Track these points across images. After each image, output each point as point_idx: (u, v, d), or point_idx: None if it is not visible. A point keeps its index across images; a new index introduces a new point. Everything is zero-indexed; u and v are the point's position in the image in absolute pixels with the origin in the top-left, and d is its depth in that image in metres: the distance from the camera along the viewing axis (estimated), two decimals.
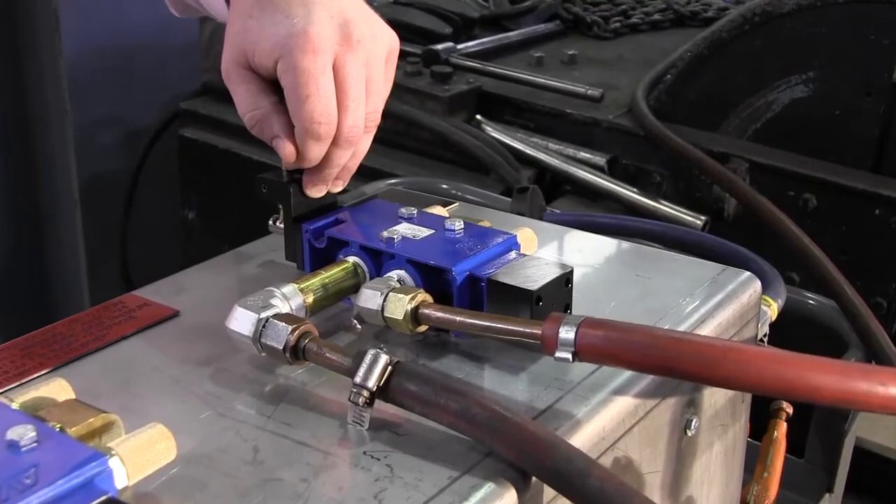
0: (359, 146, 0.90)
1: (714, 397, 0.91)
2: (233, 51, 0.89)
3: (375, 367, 0.72)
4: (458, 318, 0.80)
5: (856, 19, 1.59)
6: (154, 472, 0.65)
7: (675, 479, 0.89)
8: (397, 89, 1.85)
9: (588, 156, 1.74)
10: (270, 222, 0.98)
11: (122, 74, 2.14)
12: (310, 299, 0.83)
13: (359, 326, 0.85)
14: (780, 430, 1.15)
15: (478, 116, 1.81)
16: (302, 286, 0.84)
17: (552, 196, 1.73)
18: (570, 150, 1.75)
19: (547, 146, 1.76)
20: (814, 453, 1.29)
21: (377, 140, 1.82)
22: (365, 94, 0.88)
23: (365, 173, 1.70)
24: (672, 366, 0.71)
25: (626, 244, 1.04)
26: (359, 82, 0.87)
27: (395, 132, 1.83)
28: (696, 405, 0.88)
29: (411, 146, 1.81)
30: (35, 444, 0.61)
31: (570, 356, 0.73)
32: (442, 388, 0.71)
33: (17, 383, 0.79)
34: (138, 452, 0.64)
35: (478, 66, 1.92)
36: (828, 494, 1.27)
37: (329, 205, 0.95)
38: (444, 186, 1.52)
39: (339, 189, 0.95)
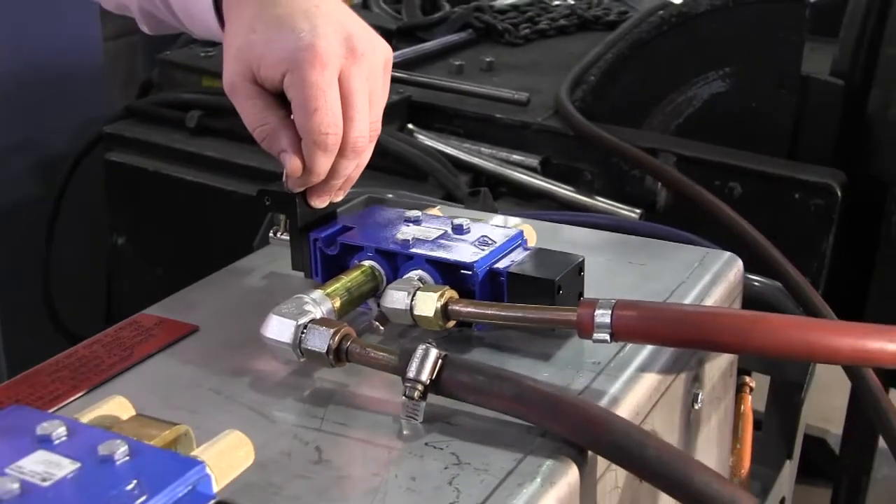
0: (362, 156, 0.93)
1: (712, 371, 0.97)
2: (238, 65, 0.90)
3: (427, 362, 0.75)
4: (489, 311, 0.83)
5: (766, 18, 1.68)
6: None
7: (685, 450, 0.94)
8: None
9: (520, 158, 1.78)
10: (271, 234, 1.00)
11: (26, 102, 2.11)
12: (337, 304, 0.85)
13: (381, 328, 0.87)
14: (747, 404, 1.22)
15: (409, 125, 1.85)
16: (328, 291, 0.86)
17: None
18: (503, 154, 1.79)
19: (479, 151, 1.80)
20: (771, 424, 1.36)
21: None
22: (368, 105, 0.91)
23: None
24: (707, 338, 0.76)
25: (610, 235, 1.09)
26: (363, 94, 0.89)
27: None
28: (700, 380, 0.94)
29: None
30: (128, 458, 0.62)
31: (607, 337, 0.78)
32: (494, 377, 0.75)
33: (58, 406, 0.79)
34: (222, 458, 0.65)
35: (404, 76, 1.95)
36: (787, 461, 1.35)
37: (330, 214, 0.97)
38: (390, 196, 1.54)
39: (340, 198, 0.97)
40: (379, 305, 0.89)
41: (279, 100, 0.90)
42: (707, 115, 1.75)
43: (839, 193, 1.61)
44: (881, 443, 1.51)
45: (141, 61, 2.66)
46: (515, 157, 1.80)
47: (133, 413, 0.71)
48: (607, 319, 0.77)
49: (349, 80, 0.88)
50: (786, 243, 1.60)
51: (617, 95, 1.80)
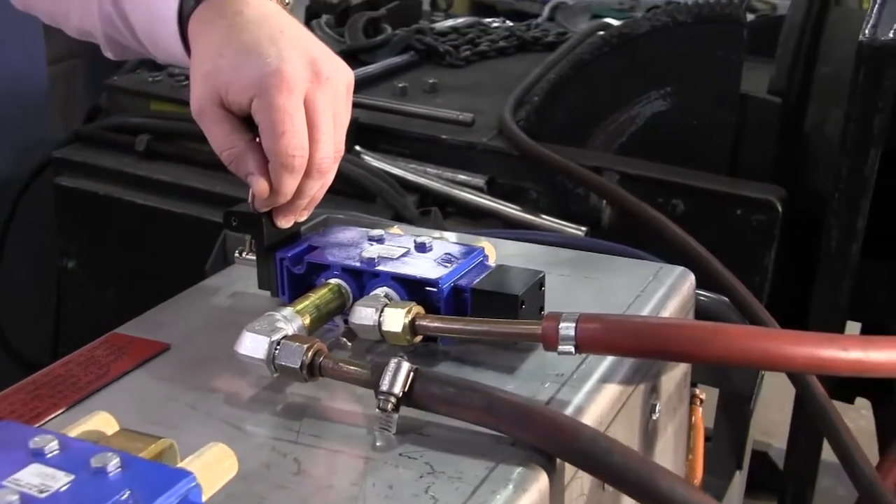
0: (327, 176, 0.95)
1: (668, 383, 1.00)
2: (205, 89, 0.92)
3: (399, 375, 0.78)
4: (456, 326, 0.86)
5: (705, 38, 1.73)
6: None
7: None
8: None
9: (466, 178, 1.82)
10: (236, 255, 1.02)
11: None
12: (307, 321, 0.88)
13: (349, 343, 0.89)
14: (698, 415, 1.26)
15: (356, 147, 1.87)
16: (298, 309, 0.88)
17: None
18: (449, 174, 1.83)
19: (426, 171, 1.84)
20: (720, 436, 1.40)
21: None
22: (333, 127, 0.93)
23: None
24: (669, 348, 0.79)
25: (563, 251, 1.12)
26: (328, 116, 0.92)
27: None
28: (658, 390, 0.97)
29: None
30: (120, 470, 0.64)
31: (572, 349, 0.81)
32: (465, 388, 0.78)
33: (40, 423, 0.80)
34: (208, 470, 0.67)
35: None
36: (738, 472, 1.39)
37: (294, 234, 1.00)
38: (341, 216, 1.57)
39: (304, 218, 0.99)
40: (346, 322, 0.92)
41: (246, 123, 0.93)
42: (649, 133, 1.79)
43: (780, 209, 1.67)
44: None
45: (81, 85, 2.65)
46: (461, 176, 1.83)
47: (117, 428, 0.73)
48: (571, 332, 0.80)
49: (314, 104, 0.91)
50: (729, 258, 1.65)
51: (560, 115, 1.85)
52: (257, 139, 0.92)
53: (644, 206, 1.59)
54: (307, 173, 0.92)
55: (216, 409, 0.82)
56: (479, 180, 1.81)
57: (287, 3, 1.00)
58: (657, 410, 0.97)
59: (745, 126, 1.77)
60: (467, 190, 1.80)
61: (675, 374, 1.02)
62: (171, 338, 0.93)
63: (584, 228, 1.72)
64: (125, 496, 0.62)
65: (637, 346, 0.80)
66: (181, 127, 1.93)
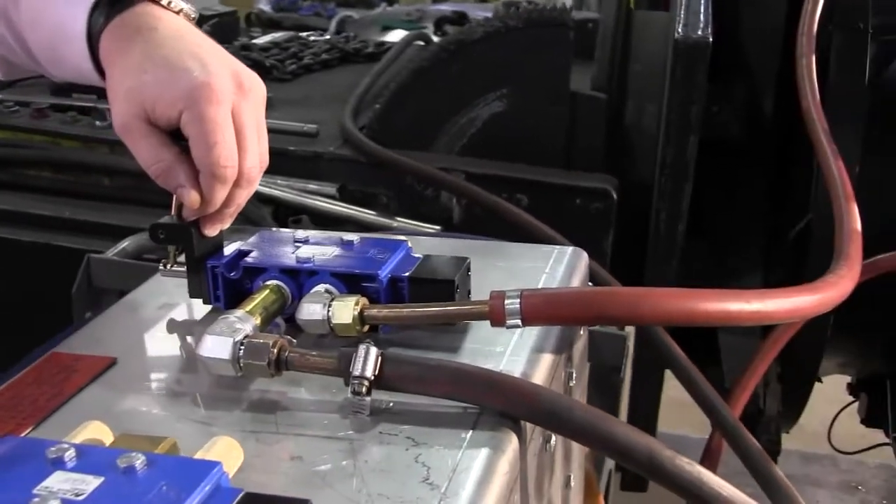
0: (253, 184, 0.99)
1: (577, 352, 1.09)
2: (130, 106, 0.94)
3: (369, 359, 0.83)
4: (405, 312, 0.92)
5: (536, 41, 1.85)
6: None
7: None
8: (123, 146, 1.88)
9: (317, 187, 1.87)
10: (161, 267, 1.03)
11: None
12: (258, 321, 0.91)
13: (294, 340, 0.93)
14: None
15: None
16: (248, 310, 0.91)
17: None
18: (300, 184, 1.87)
19: (276, 183, 1.87)
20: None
21: (108, 199, 1.85)
22: (257, 137, 0.97)
23: (107, 231, 1.73)
24: (605, 313, 0.88)
25: (463, 242, 1.20)
26: (253, 127, 0.96)
27: (124, 188, 1.86)
28: (571, 359, 1.06)
29: (145, 199, 1.84)
30: (146, 468, 0.67)
31: (519, 322, 0.88)
32: (433, 366, 0.84)
33: None
34: (222, 460, 0.71)
35: None
36: None
37: (219, 242, 1.02)
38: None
39: (227, 226, 1.02)
40: (286, 321, 0.96)
41: (172, 137, 0.95)
42: (489, 134, 1.90)
43: (615, 196, 1.80)
44: None
45: None
46: (312, 186, 1.88)
47: (111, 435, 0.75)
48: (517, 306, 0.88)
49: (240, 115, 0.95)
50: (573, 244, 1.77)
51: (403, 121, 1.92)
52: (183, 152, 0.95)
53: (498, 199, 1.69)
54: (236, 182, 0.96)
55: (190, 413, 0.85)
56: (331, 188, 1.86)
57: (193, 19, 1.03)
58: (573, 378, 1.06)
59: (577, 122, 1.89)
60: (320, 199, 1.84)
61: (580, 345, 1.11)
62: (114, 352, 0.95)
63: (438, 227, 1.80)
64: (163, 489, 0.65)
65: (575, 315, 0.89)
66: (18, 154, 1.89)
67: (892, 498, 2.90)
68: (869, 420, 2.19)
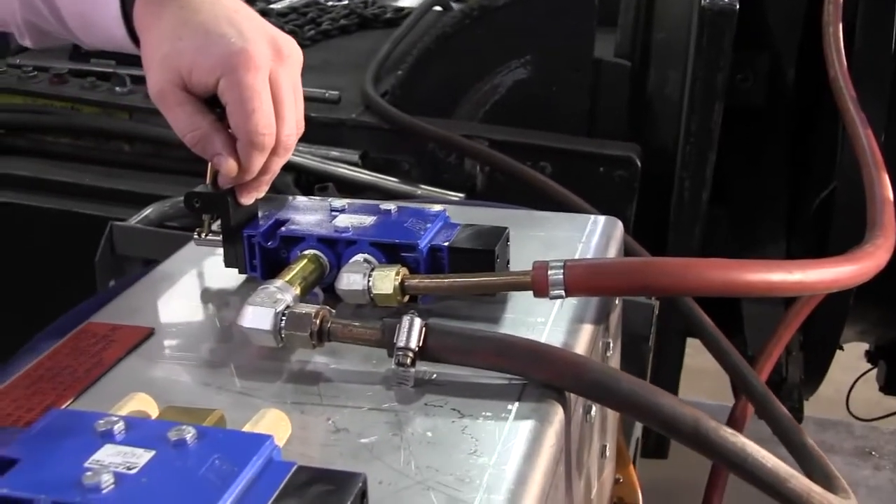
0: (290, 152, 0.98)
1: (612, 322, 1.08)
2: (166, 73, 0.93)
3: (413, 330, 0.82)
4: (446, 282, 0.91)
5: (559, 7, 1.83)
6: None
7: None
8: (143, 112, 1.87)
9: (340, 154, 1.85)
10: (195, 236, 1.02)
11: None
12: (298, 291, 0.91)
13: (333, 311, 0.93)
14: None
15: None
16: (288, 279, 0.91)
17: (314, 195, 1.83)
18: (322, 151, 1.86)
19: (298, 150, 1.85)
20: None
21: (128, 166, 1.84)
22: (294, 104, 0.96)
23: (127, 199, 1.73)
24: (650, 283, 0.87)
25: (493, 210, 1.19)
26: (290, 94, 0.95)
27: (144, 154, 1.85)
28: (607, 329, 1.05)
29: (165, 167, 1.84)
30: (198, 441, 0.66)
31: (562, 292, 0.87)
32: (478, 337, 0.83)
33: None
34: (272, 432, 0.70)
35: None
36: None
37: (253, 211, 1.01)
38: None
39: (263, 194, 1.01)
40: (324, 291, 0.95)
41: (208, 105, 0.94)
42: (512, 101, 1.88)
43: (638, 164, 1.79)
44: None
45: None
46: (334, 153, 1.86)
47: (156, 407, 0.74)
48: (560, 277, 0.87)
49: (278, 82, 0.94)
50: (596, 212, 1.76)
51: (425, 88, 1.91)
52: (219, 120, 0.94)
53: (523, 166, 1.68)
54: (273, 150, 0.95)
55: (230, 384, 0.84)
56: (353, 155, 1.85)
57: None
58: (610, 348, 1.05)
59: (600, 89, 1.88)
60: (343, 165, 1.83)
61: (615, 315, 1.10)
62: (150, 322, 0.94)
63: (460, 195, 1.79)
64: (216, 463, 0.64)
65: (622, 285, 0.88)
66: (37, 119, 1.87)
67: None
68: (888, 387, 2.19)
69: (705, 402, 2.46)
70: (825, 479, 1.12)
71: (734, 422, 1.67)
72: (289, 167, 1.82)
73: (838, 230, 1.78)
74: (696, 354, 1.86)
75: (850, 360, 2.33)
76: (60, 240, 1.75)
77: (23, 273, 1.79)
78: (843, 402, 2.57)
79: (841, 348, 2.01)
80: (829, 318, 1.85)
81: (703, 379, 2.30)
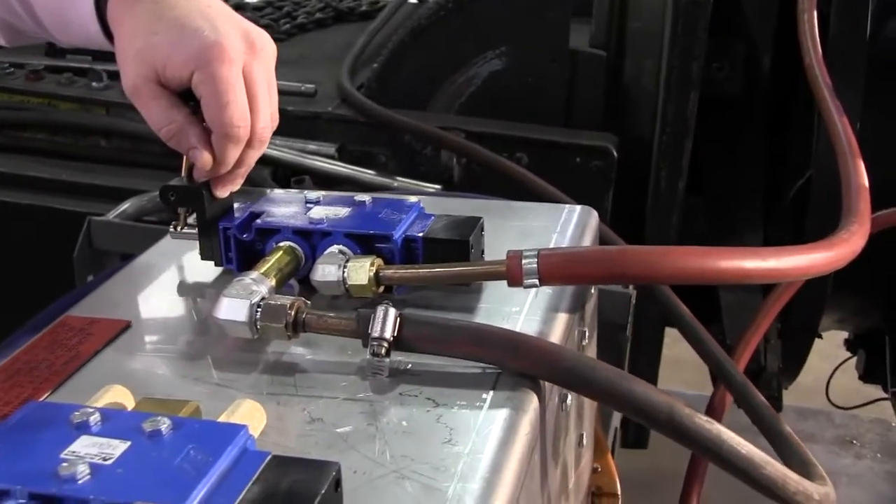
0: (265, 145, 0.98)
1: (588, 312, 1.09)
2: (140, 67, 0.93)
3: (388, 320, 0.83)
4: (421, 272, 0.91)
5: None
6: None
7: None
8: (119, 108, 1.87)
9: (316, 147, 1.85)
10: (171, 229, 1.02)
11: None
12: (273, 283, 0.91)
13: (308, 302, 0.93)
14: None
15: None
16: (263, 271, 0.91)
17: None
18: (299, 144, 1.86)
19: (274, 143, 1.85)
20: None
21: (106, 161, 1.84)
22: (269, 97, 0.96)
23: (105, 194, 1.72)
24: (624, 271, 0.87)
25: (469, 201, 1.19)
26: (264, 86, 0.95)
27: (121, 150, 1.85)
28: (584, 318, 1.06)
29: (143, 161, 1.83)
30: (173, 431, 0.66)
31: (536, 281, 0.88)
32: (453, 327, 0.84)
33: None
34: (246, 423, 0.71)
35: None
36: None
37: (229, 204, 1.02)
38: None
39: (238, 187, 1.01)
40: (300, 283, 0.96)
41: (182, 99, 0.94)
42: (488, 92, 1.89)
43: (615, 154, 1.80)
44: None
45: None
46: (311, 146, 1.87)
47: (132, 398, 0.75)
48: (534, 266, 0.87)
49: (252, 74, 0.94)
50: (573, 202, 1.77)
51: (401, 80, 1.91)
52: (194, 113, 0.94)
53: (499, 157, 1.68)
54: (248, 143, 0.95)
55: (207, 376, 0.84)
56: (330, 148, 1.85)
57: None
58: (585, 337, 1.06)
59: (576, 80, 1.88)
60: (320, 158, 1.83)
61: (591, 304, 1.11)
62: (127, 315, 0.94)
63: (437, 186, 1.79)
64: (190, 453, 0.64)
65: (596, 273, 0.88)
66: (13, 116, 1.87)
67: (886, 452, 2.93)
68: (867, 376, 2.20)
69: (684, 391, 2.48)
70: (803, 467, 1.13)
71: (713, 411, 1.68)
72: (266, 160, 1.82)
73: (815, 218, 1.79)
74: (674, 344, 1.88)
75: (829, 348, 2.35)
76: (38, 235, 1.75)
77: (1, 269, 1.79)
78: (823, 391, 2.59)
79: (819, 336, 2.02)
80: (807, 306, 1.86)
81: (682, 369, 2.31)
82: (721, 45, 1.91)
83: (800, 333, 1.95)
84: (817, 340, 2.01)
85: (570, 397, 0.97)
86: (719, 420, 1.66)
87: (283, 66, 2.11)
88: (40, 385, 0.83)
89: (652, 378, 2.05)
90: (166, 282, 1.02)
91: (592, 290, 1.11)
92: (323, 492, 0.62)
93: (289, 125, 1.89)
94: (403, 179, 1.80)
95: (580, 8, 1.96)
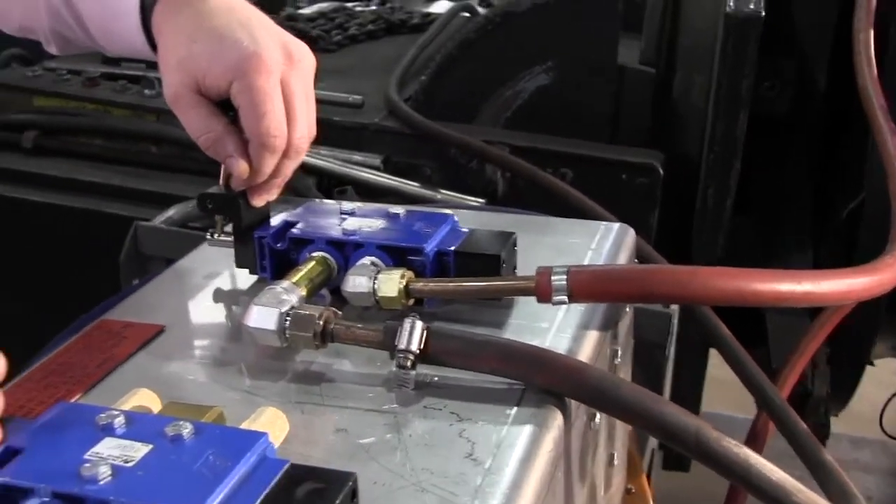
0: (302, 155, 0.99)
1: (622, 329, 1.09)
2: (181, 76, 0.94)
3: (415, 333, 0.83)
4: (451, 286, 0.92)
5: (583, 13, 1.83)
6: None
7: None
8: (166, 115, 1.89)
9: (362, 158, 1.86)
10: (208, 236, 1.04)
11: None
12: (304, 292, 0.92)
13: (339, 312, 0.94)
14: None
15: None
16: (294, 281, 0.92)
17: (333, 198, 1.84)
18: (344, 155, 1.87)
19: (319, 153, 1.87)
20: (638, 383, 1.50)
21: (156, 167, 1.86)
22: (306, 107, 0.97)
23: (158, 199, 1.75)
24: (652, 291, 0.87)
25: (508, 216, 1.19)
26: (301, 97, 0.96)
27: (171, 156, 1.87)
28: (616, 337, 1.06)
29: (190, 168, 1.85)
30: (195, 436, 0.67)
31: (566, 298, 0.87)
32: (480, 341, 0.84)
33: None
34: (268, 430, 0.71)
35: None
36: None
37: (265, 213, 1.03)
38: None
39: (275, 197, 1.03)
40: (332, 293, 0.96)
41: (221, 108, 0.95)
42: (534, 106, 1.88)
43: (661, 171, 1.78)
44: None
45: None
46: (357, 157, 1.88)
47: (159, 403, 0.76)
48: (564, 282, 0.87)
49: (289, 85, 0.95)
50: (618, 220, 1.76)
51: (447, 93, 1.91)
52: (232, 123, 0.95)
53: (543, 173, 1.68)
54: (285, 153, 0.96)
55: (234, 382, 0.85)
56: (375, 159, 1.86)
57: None
58: (618, 356, 1.05)
59: (623, 96, 1.88)
60: (365, 169, 1.84)
61: (625, 322, 1.10)
62: (162, 319, 0.95)
63: (482, 200, 1.79)
64: (210, 458, 0.65)
65: (624, 291, 0.88)
66: (69, 121, 1.91)
67: None
68: None
69: (733, 414, 2.44)
70: (843, 498, 1.11)
71: (755, 435, 1.66)
72: (311, 170, 1.84)
73: (866, 241, 1.76)
74: (722, 365, 1.86)
75: (885, 375, 2.30)
76: (89, 239, 1.77)
77: (50, 271, 1.82)
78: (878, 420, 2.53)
79: (871, 363, 1.98)
80: (859, 331, 1.83)
81: (729, 390, 2.29)
82: (773, 64, 1.89)
83: (849, 360, 1.92)
84: (874, 367, 1.97)
85: (598, 416, 0.96)
86: (762, 445, 1.66)
87: (333, 77, 2.16)
88: (73, 387, 0.84)
89: (695, 399, 2.04)
90: (202, 288, 1.03)
91: (627, 309, 1.10)
92: (338, 502, 0.63)
93: (335, 135, 1.91)
94: (447, 192, 1.81)
95: (630, 23, 1.95)
